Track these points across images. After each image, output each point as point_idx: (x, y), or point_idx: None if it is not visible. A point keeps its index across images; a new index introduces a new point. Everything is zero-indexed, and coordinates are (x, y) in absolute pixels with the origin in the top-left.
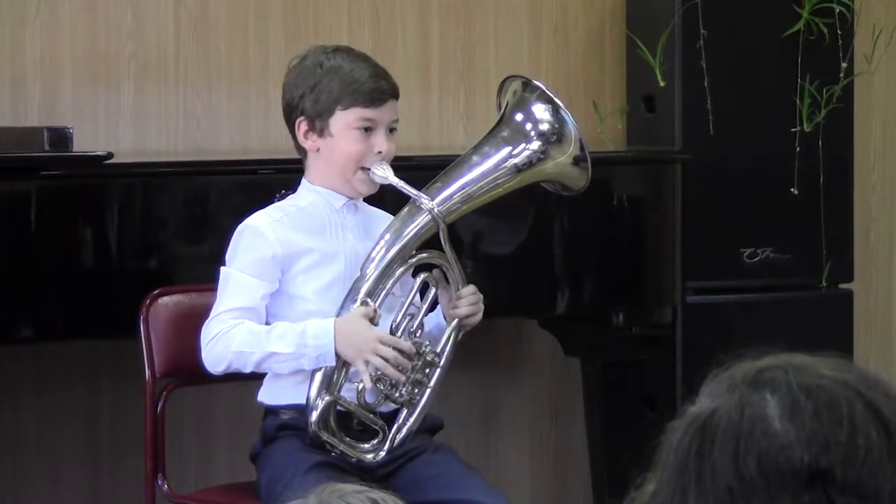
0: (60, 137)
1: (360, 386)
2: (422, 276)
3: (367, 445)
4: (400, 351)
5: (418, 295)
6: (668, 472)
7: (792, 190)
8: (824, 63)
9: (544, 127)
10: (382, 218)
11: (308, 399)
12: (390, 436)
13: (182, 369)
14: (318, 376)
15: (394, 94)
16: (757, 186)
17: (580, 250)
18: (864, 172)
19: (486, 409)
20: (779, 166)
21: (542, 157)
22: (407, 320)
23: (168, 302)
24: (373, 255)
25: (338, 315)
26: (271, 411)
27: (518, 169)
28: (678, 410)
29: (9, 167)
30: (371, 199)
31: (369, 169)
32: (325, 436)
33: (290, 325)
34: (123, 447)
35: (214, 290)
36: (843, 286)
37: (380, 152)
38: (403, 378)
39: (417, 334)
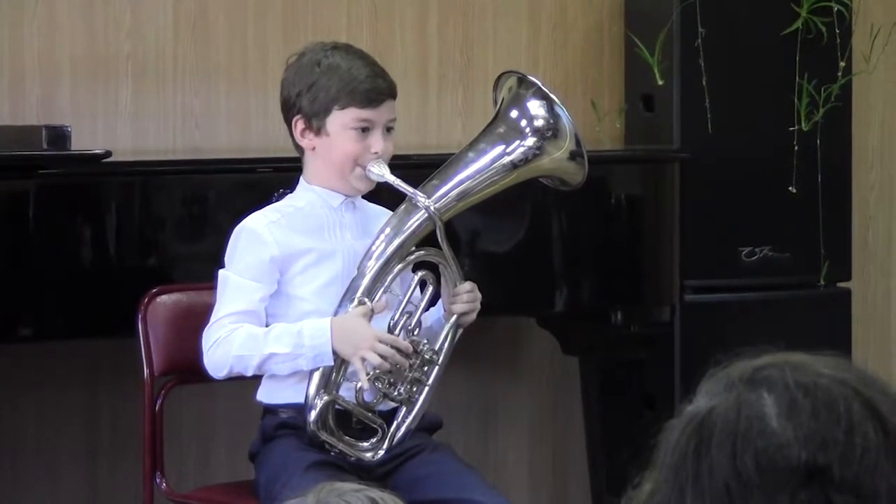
0: (59, 136)
1: (359, 385)
2: (419, 273)
3: (366, 444)
4: (398, 349)
5: (416, 292)
6: (665, 471)
7: (790, 189)
8: (822, 62)
9: (539, 123)
10: (380, 215)
11: (306, 398)
12: (389, 434)
13: (181, 368)
14: (317, 376)
15: (391, 93)
16: (755, 185)
17: (579, 249)
18: (862, 171)
19: (485, 407)
20: (777, 165)
21: (537, 152)
22: (405, 318)
23: (166, 300)
24: (370, 252)
25: (335, 314)
26: (270, 410)
27: (514, 165)
28: (676, 409)
29: (7, 165)
30: (367, 198)
31: (366, 167)
32: (323, 435)
33: (287, 326)
34: (122, 446)
35: (213, 289)
36: (842, 285)
37: (376, 152)
38: (400, 377)
39: (415, 332)
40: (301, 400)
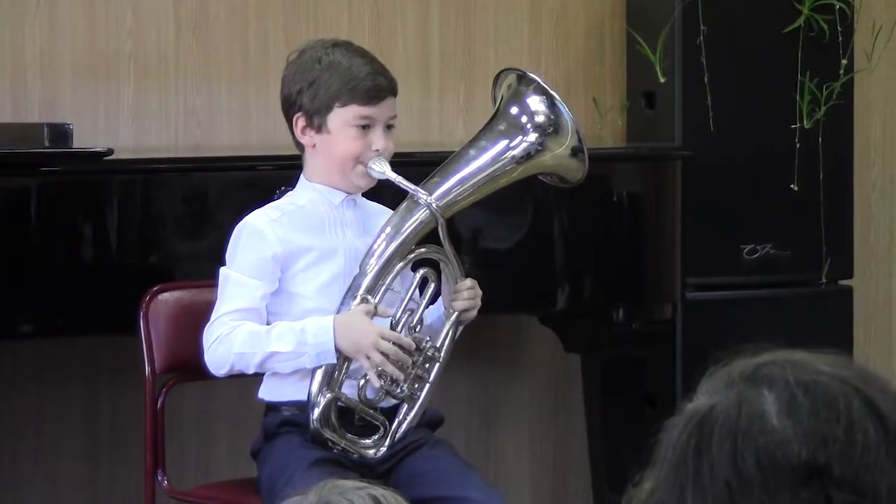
0: (60, 134)
1: (361, 382)
2: (421, 271)
3: (368, 441)
4: (400, 346)
5: (418, 290)
6: (666, 469)
7: (792, 186)
8: (824, 60)
9: (540, 119)
10: (381, 213)
11: (309, 396)
12: (391, 431)
13: (182, 365)
14: (319, 373)
15: (392, 90)
16: (757, 183)
17: (580, 247)
18: (863, 169)
19: (487, 405)
20: (779, 163)
21: (539, 148)
22: (407, 315)
23: (168, 298)
24: (372, 250)
25: (338, 312)
26: (272, 408)
27: (516, 161)
28: (678, 407)
29: (9, 163)
30: (369, 195)
31: (367, 164)
32: (326, 433)
33: (290, 325)
34: (123, 444)
35: (214, 286)
36: (843, 283)
37: (377, 150)
38: (404, 374)
39: (417, 329)
40: (303, 397)
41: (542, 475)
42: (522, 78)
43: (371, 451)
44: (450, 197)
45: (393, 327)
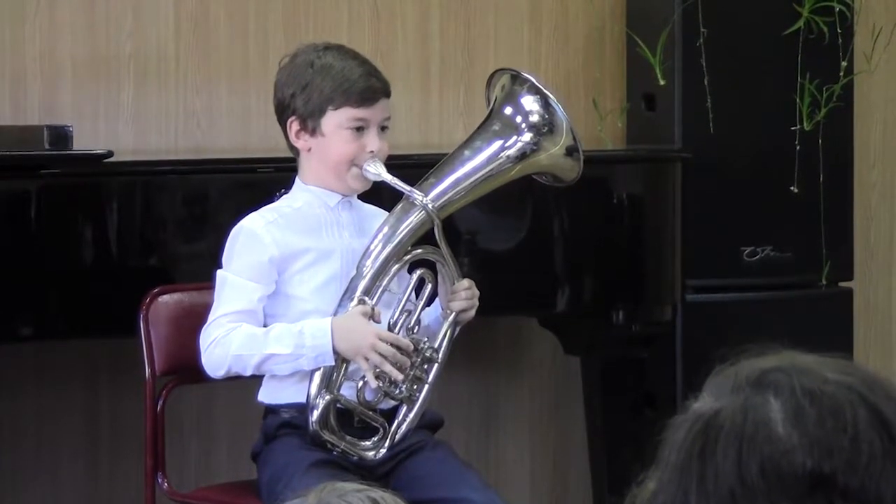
0: (60, 136)
1: (360, 384)
2: (418, 272)
3: (367, 443)
4: (398, 347)
5: (414, 291)
6: (669, 471)
7: (792, 188)
8: (824, 62)
9: (535, 119)
10: (377, 215)
11: (308, 398)
12: (390, 433)
13: (182, 367)
14: (318, 375)
15: (385, 92)
16: (757, 185)
17: (580, 248)
18: (863, 171)
19: (487, 407)
20: (779, 165)
21: (534, 148)
22: (404, 317)
23: (168, 300)
24: (369, 251)
25: (335, 314)
26: (272, 410)
27: (511, 161)
28: (678, 408)
29: (9, 165)
30: (366, 196)
31: (362, 166)
32: (326, 435)
33: (287, 326)
34: (123, 446)
35: (214, 290)
36: (843, 284)
37: (372, 151)
38: (402, 375)
39: (415, 330)
40: (302, 400)
41: (543, 477)
42: (516, 78)
43: (371, 453)
44: (445, 198)
45: (390, 328)
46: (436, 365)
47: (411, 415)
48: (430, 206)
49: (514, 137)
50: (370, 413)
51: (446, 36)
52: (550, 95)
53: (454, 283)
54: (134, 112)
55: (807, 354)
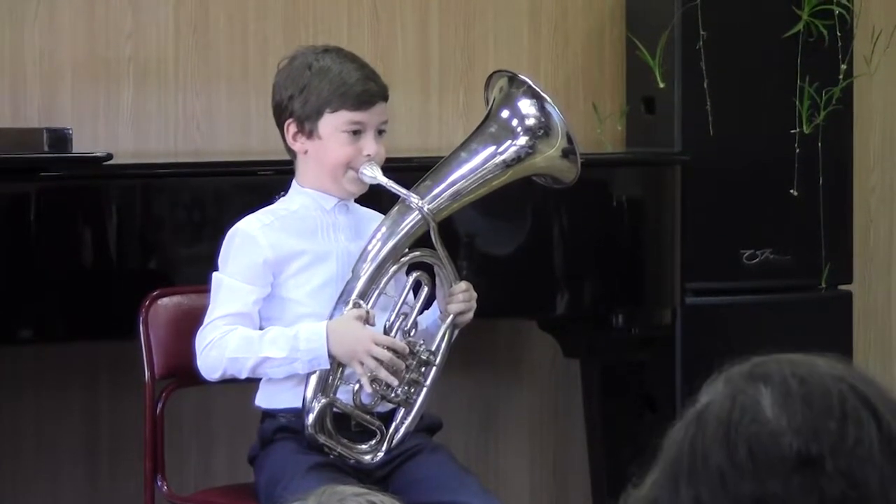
0: (60, 138)
1: (356, 387)
2: (414, 274)
3: (364, 446)
4: (394, 351)
5: (411, 294)
6: (663, 465)
7: (791, 191)
8: (824, 65)
9: (531, 121)
10: (373, 218)
11: (304, 402)
12: (388, 436)
13: (181, 370)
14: (314, 379)
15: (383, 96)
16: (756, 188)
17: (580, 251)
18: (863, 174)
19: (486, 410)
20: (778, 168)
21: (530, 151)
22: (400, 319)
23: (167, 303)
24: (365, 254)
25: (330, 317)
26: (269, 414)
27: (507, 164)
28: (678, 411)
29: (8, 168)
30: (365, 200)
31: (359, 169)
32: (322, 438)
33: (283, 330)
34: (123, 448)
35: (210, 293)
36: (843, 287)
37: (368, 155)
38: (398, 379)
39: (411, 333)
40: (299, 404)
41: (542, 480)
42: (513, 80)
43: (368, 457)
44: (441, 200)
45: (386, 332)
46: (433, 368)
47: (409, 418)
48: (425, 208)
49: (510, 140)
50: (367, 417)
51: (446, 38)
52: (547, 98)
53: (451, 286)
54: (133, 115)
55: (802, 354)
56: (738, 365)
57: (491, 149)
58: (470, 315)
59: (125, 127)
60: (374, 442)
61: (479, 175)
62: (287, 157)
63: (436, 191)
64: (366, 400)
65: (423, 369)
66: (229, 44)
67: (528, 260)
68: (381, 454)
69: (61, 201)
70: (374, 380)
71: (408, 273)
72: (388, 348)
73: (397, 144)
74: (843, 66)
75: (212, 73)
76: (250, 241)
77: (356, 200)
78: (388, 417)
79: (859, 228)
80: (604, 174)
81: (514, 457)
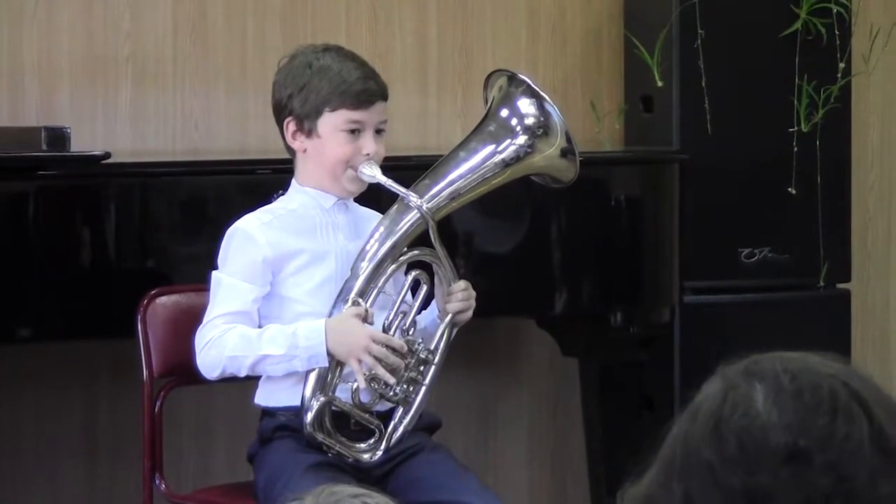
0: (58, 137)
1: (355, 386)
2: (413, 273)
3: (363, 445)
4: (392, 349)
5: (410, 293)
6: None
7: (790, 190)
8: (822, 63)
9: (530, 121)
10: (372, 217)
11: (303, 400)
12: (387, 435)
13: (180, 369)
14: (313, 377)
15: (382, 95)
16: (754, 186)
17: (578, 250)
18: (861, 172)
19: (485, 409)
20: (776, 166)
21: (529, 150)
22: (399, 318)
23: (166, 302)
24: (364, 253)
25: (329, 315)
26: (268, 413)
27: (505, 163)
28: (676, 410)
29: (6, 167)
30: (365, 199)
31: (358, 168)
32: (320, 437)
33: (281, 328)
34: (121, 447)
35: (209, 291)
36: (841, 286)
37: (368, 154)
38: (395, 377)
39: (410, 332)
40: (298, 403)
41: (541, 479)
42: (513, 79)
43: (366, 456)
44: (440, 199)
45: (385, 330)
46: (432, 367)
47: (408, 417)
48: (424, 207)
49: (509, 140)
50: (366, 415)
51: (444, 38)
52: (546, 97)
53: (450, 285)
54: (132, 113)
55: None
56: (736, 362)
57: (490, 148)
58: (469, 314)
59: (123, 126)
60: (372, 441)
61: (478, 174)
62: (285, 156)
63: (435, 189)
64: (365, 398)
65: (421, 368)
66: (227, 43)
67: (526, 259)
68: (379, 453)
69: (59, 200)
70: (372, 378)
71: (406, 272)
72: (387, 346)
73: (395, 143)
74: (842, 65)
75: (210, 73)
76: (249, 239)
77: (355, 200)
78: (386, 416)
79: (857, 227)
80: (602, 173)
81: (513, 455)
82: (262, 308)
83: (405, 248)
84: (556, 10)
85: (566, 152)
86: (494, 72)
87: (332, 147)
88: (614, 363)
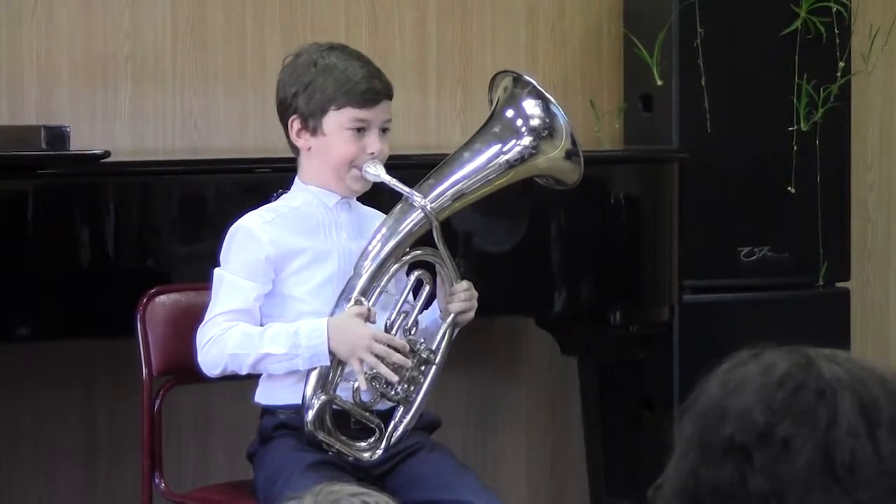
0: (57, 136)
1: (356, 384)
2: (415, 273)
3: (363, 444)
4: (394, 348)
5: (412, 292)
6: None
7: (789, 189)
8: (821, 62)
9: (535, 122)
10: (375, 217)
11: (304, 398)
12: (387, 434)
13: (179, 368)
14: (314, 376)
15: (387, 94)
16: (754, 185)
17: (577, 249)
18: (861, 171)
19: (484, 408)
20: (776, 165)
21: (533, 152)
22: (401, 318)
23: (165, 301)
24: (367, 252)
25: (332, 314)
26: (268, 411)
27: (510, 164)
28: (675, 409)
29: (6, 166)
30: (365, 198)
31: (362, 167)
32: (321, 435)
33: (283, 326)
34: (120, 446)
35: (211, 289)
36: (840, 285)
37: (372, 153)
38: (397, 376)
39: (412, 332)
40: (299, 401)
41: (540, 478)
42: (518, 80)
43: (366, 454)
44: (444, 199)
45: (387, 330)
46: (433, 367)
47: (408, 416)
48: (428, 207)
49: (514, 140)
50: (366, 414)
51: (443, 36)
52: (551, 99)
53: (453, 285)
54: (131, 112)
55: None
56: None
57: (495, 148)
58: (471, 314)
59: (122, 125)
60: (373, 439)
61: (482, 175)
62: (285, 154)
63: (439, 189)
64: (365, 397)
65: (422, 368)
66: (227, 42)
67: (525, 257)
68: (379, 452)
69: (59, 199)
70: (373, 377)
71: (409, 272)
72: (389, 346)
73: (395, 142)
74: (841, 64)
75: (209, 72)
76: (252, 237)
77: (358, 199)
78: (387, 415)
79: (857, 226)
80: (601, 172)
81: (512, 454)
82: (264, 306)
83: (408, 248)
84: (556, 8)
85: (570, 154)
86: (500, 73)
87: (336, 145)
88: (613, 362)
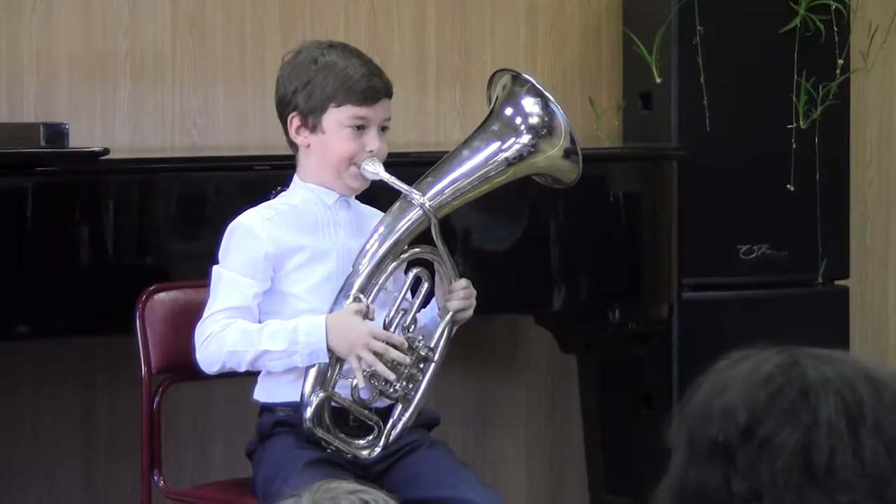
0: (56, 133)
1: (355, 382)
2: (414, 271)
3: (362, 442)
4: (393, 346)
5: (410, 290)
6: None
7: (788, 186)
8: (821, 60)
9: (534, 120)
10: (374, 215)
11: (302, 395)
12: (385, 431)
13: (178, 365)
14: (312, 373)
15: (387, 92)
16: (753, 183)
17: (576, 247)
18: (860, 169)
19: (483, 405)
20: (775, 163)
21: (532, 150)
22: (400, 315)
23: (164, 298)
24: (365, 250)
25: (330, 312)
26: (267, 409)
27: (509, 163)
28: (674, 407)
29: (5, 163)
30: (365, 196)
31: (361, 165)
32: (319, 433)
33: (282, 323)
34: (119, 443)
35: (209, 287)
36: (839, 283)
37: (371, 151)
38: (395, 374)
39: (411, 329)
40: (297, 398)
41: (539, 476)
42: (517, 79)
43: (365, 452)
44: (443, 197)
45: (386, 327)
46: (432, 364)
47: (407, 414)
48: (427, 205)
49: (513, 139)
50: (365, 412)
51: (442, 34)
52: (550, 97)
53: (451, 283)
54: (130, 110)
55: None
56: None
57: (494, 146)
58: (469, 312)
59: (122, 122)
60: (371, 437)
61: (480, 173)
62: (284, 152)
63: (437, 187)
64: (364, 395)
65: (421, 365)
66: (226, 39)
67: (524, 255)
68: (378, 449)
69: (58, 196)
70: (372, 375)
71: (407, 270)
72: (387, 343)
73: (393, 140)
74: (840, 62)
75: (208, 69)
76: (250, 234)
77: (357, 198)
78: (386, 413)
79: (856, 224)
80: (601, 169)
81: (511, 451)
82: (262, 304)
83: (406, 246)
84: (555, 6)
85: (569, 153)
86: (499, 71)
87: (336, 143)
88: (613, 360)
